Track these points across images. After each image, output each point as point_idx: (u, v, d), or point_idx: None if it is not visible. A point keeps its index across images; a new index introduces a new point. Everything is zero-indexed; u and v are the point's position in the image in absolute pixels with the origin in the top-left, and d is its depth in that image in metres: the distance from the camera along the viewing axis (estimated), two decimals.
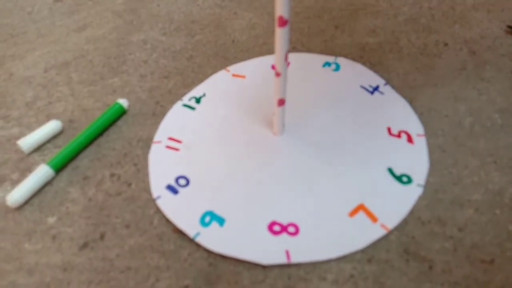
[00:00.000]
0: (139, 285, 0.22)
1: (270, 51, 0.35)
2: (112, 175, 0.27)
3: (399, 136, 0.27)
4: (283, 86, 0.24)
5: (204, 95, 0.31)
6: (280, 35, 0.21)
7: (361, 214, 0.23)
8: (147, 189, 0.26)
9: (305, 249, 0.22)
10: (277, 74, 0.23)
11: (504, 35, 0.34)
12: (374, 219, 0.23)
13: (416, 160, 0.25)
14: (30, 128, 0.31)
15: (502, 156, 0.25)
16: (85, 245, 0.24)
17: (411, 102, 0.29)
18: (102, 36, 0.39)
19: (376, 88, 0.30)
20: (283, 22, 0.21)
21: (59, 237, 0.24)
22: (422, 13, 0.37)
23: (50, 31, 0.41)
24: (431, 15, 0.36)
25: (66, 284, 0.22)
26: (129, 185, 0.26)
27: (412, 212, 0.23)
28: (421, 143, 0.26)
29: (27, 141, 0.29)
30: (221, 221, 0.23)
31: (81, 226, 0.25)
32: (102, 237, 0.24)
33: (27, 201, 0.26)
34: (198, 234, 0.23)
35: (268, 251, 0.22)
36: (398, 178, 0.24)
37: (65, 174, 0.28)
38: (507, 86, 0.29)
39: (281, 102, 0.25)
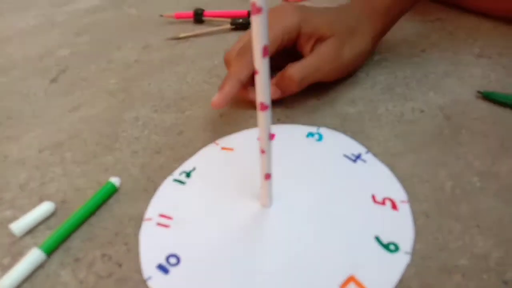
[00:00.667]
0: None
1: (256, 124, 0.36)
2: (103, 255, 0.27)
3: (383, 203, 0.28)
4: (269, 162, 0.25)
5: (194, 169, 0.32)
6: (263, 118, 0.23)
7: (351, 286, 0.23)
8: (137, 270, 0.26)
9: None
10: (262, 152, 0.25)
11: (475, 100, 0.36)
12: None
13: (401, 227, 0.26)
14: (23, 210, 0.31)
15: (484, 219, 0.26)
16: None
17: (392, 168, 0.30)
18: (96, 115, 0.41)
19: (358, 157, 0.31)
20: (264, 107, 0.22)
21: None
22: (397, 82, 0.39)
23: (45, 112, 0.43)
24: (405, 84, 0.39)
25: None
26: (120, 265, 0.26)
27: (401, 281, 0.23)
28: (405, 209, 0.27)
29: (19, 225, 0.29)
30: None
31: None
32: None
33: (18, 287, 0.26)
34: None
35: None
36: (386, 247, 0.25)
37: (56, 256, 0.28)
38: (483, 149, 0.31)
39: (268, 176, 0.26)
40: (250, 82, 0.35)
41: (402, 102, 0.37)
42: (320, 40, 0.36)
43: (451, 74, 0.40)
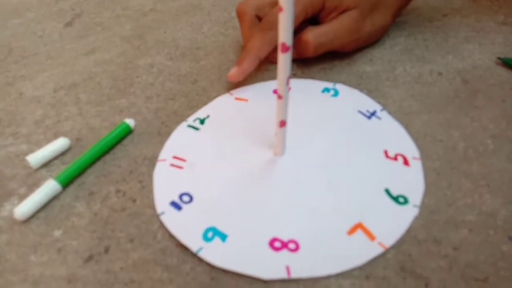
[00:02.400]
0: None
1: (271, 76, 0.36)
2: (117, 191, 0.28)
3: (395, 159, 0.28)
4: (285, 108, 0.25)
5: (208, 116, 0.32)
6: (283, 61, 0.23)
7: (359, 233, 0.24)
8: (151, 205, 0.27)
9: (305, 265, 0.22)
10: (279, 97, 0.25)
11: (495, 66, 0.35)
12: (372, 237, 0.23)
13: (412, 182, 0.26)
14: (39, 145, 0.32)
15: (494, 179, 0.26)
16: (89, 258, 0.24)
17: (406, 127, 0.30)
18: (110, 60, 0.41)
19: (373, 113, 0.31)
20: (285, 49, 0.22)
21: (64, 250, 0.25)
22: (417, 44, 0.39)
23: (59, 54, 0.43)
24: (425, 46, 0.38)
25: None
26: (134, 201, 0.27)
27: (408, 232, 0.24)
28: (416, 166, 0.27)
29: (36, 157, 0.30)
30: (223, 236, 0.24)
31: (86, 240, 0.25)
32: (106, 250, 0.24)
33: (34, 215, 0.27)
34: (201, 249, 0.23)
35: (268, 266, 0.22)
36: (395, 199, 0.25)
37: (71, 189, 0.28)
38: (498, 113, 0.31)
39: (283, 124, 0.26)
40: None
41: (421, 64, 0.36)
42: (343, 12, 0.35)
43: (471, 40, 0.39)
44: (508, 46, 0.38)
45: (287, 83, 0.24)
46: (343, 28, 0.35)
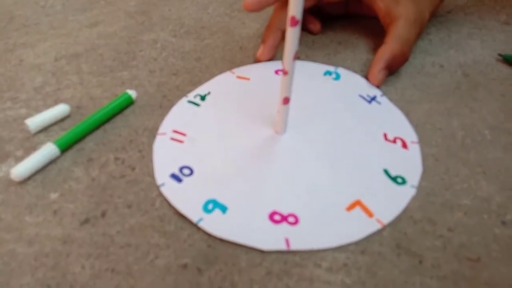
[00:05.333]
0: (138, 261, 0.22)
1: (275, 57, 0.36)
2: (116, 158, 0.28)
3: (394, 141, 0.28)
4: (290, 84, 0.25)
5: (209, 93, 0.32)
6: (291, 34, 0.23)
7: (357, 209, 0.24)
8: (150, 174, 0.27)
9: (304, 238, 0.22)
10: (285, 73, 0.25)
11: (495, 62, 0.36)
12: (370, 214, 0.24)
13: (410, 164, 0.27)
14: (38, 110, 0.32)
15: (490, 167, 0.27)
16: (86, 221, 0.24)
17: (407, 114, 0.31)
18: (114, 33, 0.40)
19: (373, 98, 0.32)
20: (295, 22, 0.22)
21: (60, 212, 0.25)
22: (420, 38, 0.39)
23: (62, 24, 0.42)
24: (428, 40, 0.39)
25: (65, 255, 0.22)
26: (133, 169, 0.27)
27: (405, 211, 0.24)
28: (415, 149, 0.28)
29: (35, 121, 0.29)
30: (223, 208, 0.24)
31: (83, 203, 0.25)
32: (103, 214, 0.24)
33: (30, 177, 0.27)
34: (201, 219, 0.23)
35: (268, 238, 0.22)
36: (393, 179, 0.26)
37: (69, 154, 0.28)
38: (497, 106, 0.31)
39: (286, 101, 0.26)
40: None
41: (423, 56, 0.37)
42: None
43: (474, 36, 0.39)
44: (509, 44, 0.38)
45: (294, 58, 0.24)
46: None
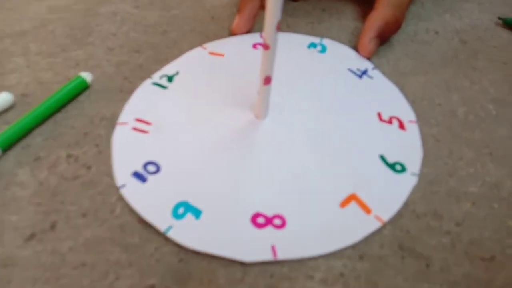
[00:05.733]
0: (95, 283, 0.18)
1: (253, 29, 0.32)
2: (68, 156, 0.24)
3: (390, 122, 0.25)
4: (271, 61, 0.21)
5: (177, 73, 0.28)
6: (272, 1, 0.19)
7: (353, 205, 0.21)
8: (109, 174, 0.23)
9: (292, 244, 0.19)
10: (266, 47, 0.21)
11: (494, 27, 0.33)
12: (367, 210, 0.20)
13: (409, 147, 0.23)
14: None
15: (497, 147, 0.24)
16: (31, 237, 0.20)
17: (401, 88, 0.27)
18: (67, 6, 0.35)
19: (364, 72, 0.28)
20: None
21: (1, 227, 0.21)
22: (412, 1, 0.35)
23: None
24: (420, 3, 0.35)
25: (6, 282, 0.19)
26: (89, 168, 0.23)
27: (406, 204, 0.21)
28: (413, 130, 0.24)
29: None
30: (197, 213, 0.20)
31: (29, 214, 0.21)
32: (53, 227, 0.20)
33: None
34: (170, 228, 0.20)
35: (251, 247, 0.19)
36: (391, 166, 0.22)
37: (13, 153, 0.24)
38: (499, 76, 0.28)
39: (268, 80, 0.22)
40: None
41: (416, 22, 0.33)
42: None
43: None
44: (508, 6, 0.35)
45: (277, 29, 0.20)
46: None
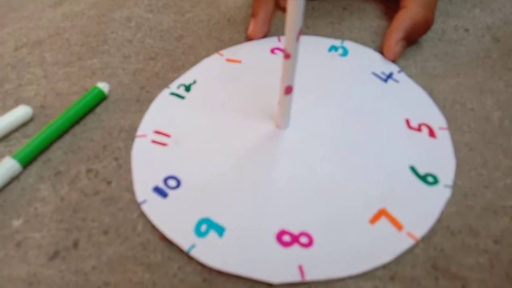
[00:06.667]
0: None
1: (271, 33, 0.31)
2: (89, 170, 0.23)
3: (419, 129, 0.24)
4: (293, 70, 0.20)
5: (194, 82, 0.27)
6: (293, 8, 0.18)
7: (383, 221, 0.20)
8: (129, 188, 0.22)
9: (320, 264, 0.18)
10: (287, 56, 0.20)
11: None
12: (399, 226, 0.19)
13: (440, 156, 0.22)
14: None
15: None
16: (55, 254, 0.20)
17: (430, 92, 0.26)
18: (81, 13, 0.35)
19: (389, 76, 0.27)
20: None
21: (25, 244, 0.20)
22: None
23: (22, 5, 0.36)
24: None
25: None
26: (109, 183, 0.23)
27: (440, 220, 0.20)
28: (444, 137, 0.23)
29: None
30: (220, 230, 0.20)
31: (52, 231, 0.21)
32: (75, 245, 0.20)
33: None
34: (193, 246, 0.19)
35: (277, 266, 0.18)
36: (423, 178, 0.21)
37: (34, 168, 0.24)
38: None
39: (289, 90, 0.21)
40: None
41: (444, 19, 0.31)
42: None
43: None
44: None
45: (297, 37, 0.19)
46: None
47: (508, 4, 0.32)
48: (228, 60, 0.29)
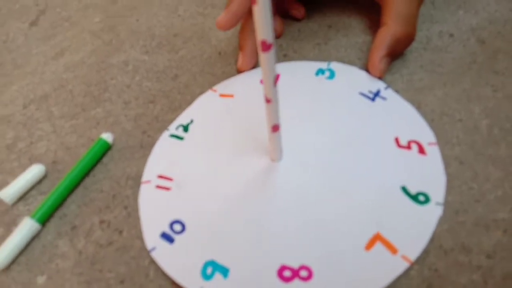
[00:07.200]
0: None
1: (257, 64, 0.32)
2: (101, 221, 0.25)
3: (408, 147, 0.24)
4: (276, 112, 0.21)
5: (191, 121, 0.29)
6: (265, 60, 0.19)
7: (378, 246, 0.21)
8: (139, 236, 0.24)
9: None
10: (268, 101, 0.21)
11: None
12: (393, 250, 0.20)
13: (430, 174, 0.23)
14: (13, 173, 0.29)
15: None
16: None
17: (418, 106, 0.26)
18: (81, 61, 0.37)
19: (376, 94, 0.27)
20: (266, 47, 0.18)
21: None
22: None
23: (26, 60, 0.39)
24: (430, 2, 0.33)
25: None
26: (120, 232, 0.24)
27: (432, 240, 0.21)
28: (434, 153, 0.24)
29: (9, 192, 0.27)
30: (224, 271, 0.21)
31: (73, 285, 0.23)
32: None
33: (14, 260, 0.24)
34: None
35: None
36: (414, 198, 0.22)
37: (52, 224, 0.26)
38: None
39: (276, 128, 0.23)
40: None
41: (428, 26, 0.31)
42: None
43: None
44: None
45: (274, 84, 0.20)
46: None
47: (493, 2, 0.32)
48: (221, 95, 0.30)
